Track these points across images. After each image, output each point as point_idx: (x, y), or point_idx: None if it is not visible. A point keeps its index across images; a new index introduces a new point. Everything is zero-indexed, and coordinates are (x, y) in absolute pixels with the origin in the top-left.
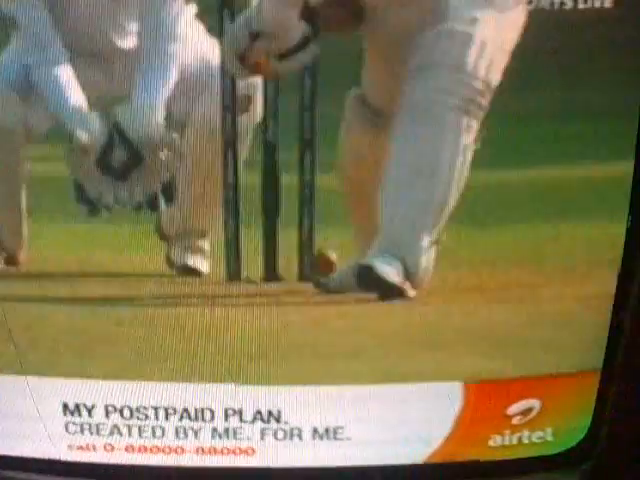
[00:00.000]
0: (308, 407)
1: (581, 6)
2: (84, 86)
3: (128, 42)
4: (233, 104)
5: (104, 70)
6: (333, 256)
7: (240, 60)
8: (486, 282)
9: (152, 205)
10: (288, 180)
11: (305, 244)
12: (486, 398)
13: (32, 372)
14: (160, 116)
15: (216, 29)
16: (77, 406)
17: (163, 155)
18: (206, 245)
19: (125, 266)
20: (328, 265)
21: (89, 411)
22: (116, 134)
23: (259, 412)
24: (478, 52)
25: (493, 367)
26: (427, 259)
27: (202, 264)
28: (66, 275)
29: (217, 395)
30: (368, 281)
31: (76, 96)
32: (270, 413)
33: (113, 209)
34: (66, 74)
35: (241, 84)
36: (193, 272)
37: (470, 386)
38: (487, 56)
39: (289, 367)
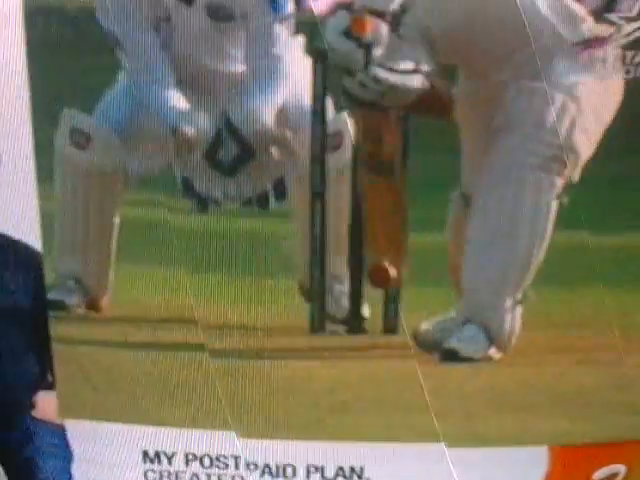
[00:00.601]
0: (390, 463)
1: None
2: (189, 99)
3: (234, 67)
4: (322, 150)
5: (207, 91)
6: (388, 266)
7: None
8: (573, 344)
9: (261, 202)
10: None
11: (391, 298)
12: (572, 463)
13: (112, 419)
14: (272, 116)
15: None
16: (157, 454)
17: (275, 152)
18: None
19: (208, 314)
20: (384, 276)
21: (169, 459)
22: (225, 130)
23: (341, 469)
24: (560, 109)
25: (580, 431)
26: (512, 320)
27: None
28: (148, 320)
29: (299, 451)
30: (453, 361)
31: (181, 100)
32: (352, 469)
33: (222, 204)
34: (172, 88)
35: (331, 120)
36: None
37: (556, 450)
38: (570, 115)
39: (372, 422)
